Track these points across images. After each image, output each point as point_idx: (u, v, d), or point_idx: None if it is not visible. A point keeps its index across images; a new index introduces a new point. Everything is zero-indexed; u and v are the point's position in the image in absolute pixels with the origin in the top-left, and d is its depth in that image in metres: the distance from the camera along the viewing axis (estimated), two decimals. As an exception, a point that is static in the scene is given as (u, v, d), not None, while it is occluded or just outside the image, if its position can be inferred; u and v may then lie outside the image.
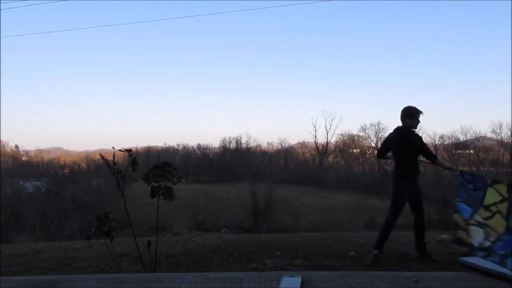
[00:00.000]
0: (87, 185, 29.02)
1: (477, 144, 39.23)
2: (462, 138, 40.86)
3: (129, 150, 2.74)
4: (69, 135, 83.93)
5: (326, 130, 47.69)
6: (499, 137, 37.98)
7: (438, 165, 4.08)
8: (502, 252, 2.17)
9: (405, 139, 3.95)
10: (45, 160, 42.24)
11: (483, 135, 40.19)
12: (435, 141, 43.37)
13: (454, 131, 42.64)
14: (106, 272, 3.62)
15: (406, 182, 4.03)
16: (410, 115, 3.91)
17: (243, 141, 51.44)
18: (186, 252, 4.35)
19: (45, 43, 79.55)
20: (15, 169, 37.34)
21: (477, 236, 2.14)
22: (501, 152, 37.67)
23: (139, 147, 48.26)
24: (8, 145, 50.66)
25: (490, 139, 39.64)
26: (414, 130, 3.99)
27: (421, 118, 3.99)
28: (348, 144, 49.84)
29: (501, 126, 37.19)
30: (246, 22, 78.93)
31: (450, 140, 41.65)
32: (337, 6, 78.18)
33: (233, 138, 51.64)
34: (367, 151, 48.47)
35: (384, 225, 4.07)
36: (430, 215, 25.96)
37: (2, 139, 50.12)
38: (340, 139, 49.51)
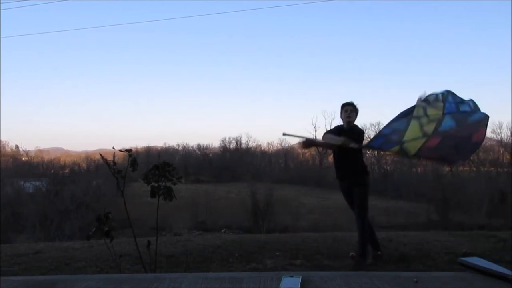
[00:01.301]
0: (87, 185, 29.00)
1: (477, 144, 39.18)
2: (462, 138, 40.82)
3: (129, 150, 2.74)
4: (69, 135, 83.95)
5: (326, 130, 47.63)
6: (499, 137, 38.03)
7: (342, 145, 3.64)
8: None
9: None
10: (45, 160, 42.28)
11: (483, 135, 40.17)
12: (435, 141, 43.39)
13: (454, 131, 42.57)
14: (106, 272, 3.62)
15: (339, 182, 3.96)
16: (340, 111, 3.87)
17: (243, 141, 51.49)
18: (186, 252, 4.34)
19: (45, 43, 79.62)
20: (15, 169, 37.34)
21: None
22: (501, 152, 37.69)
23: (139, 147, 48.28)
24: (8, 145, 50.74)
25: (490, 139, 39.61)
26: (344, 124, 3.86)
27: (349, 109, 3.80)
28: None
29: (501, 126, 37.23)
30: (246, 22, 78.95)
31: (450, 140, 41.61)
32: (338, 6, 78.22)
33: (233, 138, 51.66)
34: (367, 151, 48.46)
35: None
36: (430, 215, 26.03)
37: (2, 139, 50.18)
38: (340, 139, 49.46)
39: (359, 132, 3.90)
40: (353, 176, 3.82)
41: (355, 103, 3.83)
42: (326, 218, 24.91)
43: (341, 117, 3.87)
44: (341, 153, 3.75)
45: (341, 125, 3.92)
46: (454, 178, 34.89)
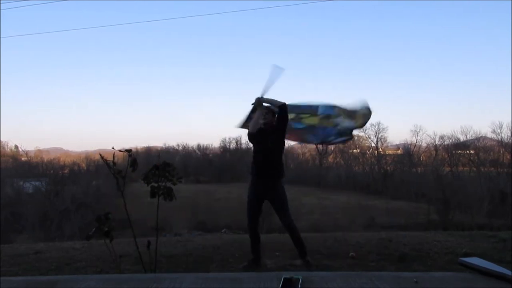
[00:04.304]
0: (87, 185, 29.04)
1: (477, 144, 39.23)
2: (462, 138, 40.92)
3: (128, 150, 2.74)
4: (69, 135, 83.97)
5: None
6: (499, 137, 38.02)
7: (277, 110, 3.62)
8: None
9: None
10: (45, 160, 42.25)
11: (483, 135, 40.25)
12: (435, 141, 43.50)
13: (454, 131, 42.73)
14: (106, 272, 3.62)
15: (252, 181, 3.75)
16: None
17: (243, 141, 51.42)
18: (186, 252, 4.34)
19: (45, 43, 79.66)
20: (15, 169, 37.33)
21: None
22: (501, 152, 37.68)
23: (139, 147, 48.29)
24: (8, 145, 50.66)
25: (490, 139, 39.67)
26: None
27: (268, 114, 3.69)
28: (348, 144, 49.78)
29: (501, 126, 37.23)
30: (246, 22, 79.01)
31: (450, 140, 41.70)
32: (338, 6, 78.19)
33: (233, 138, 51.64)
34: (367, 151, 48.48)
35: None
36: (430, 215, 26.04)
37: (2, 139, 50.17)
38: (340, 139, 49.40)
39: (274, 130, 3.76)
40: (270, 179, 3.65)
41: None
42: (326, 218, 24.92)
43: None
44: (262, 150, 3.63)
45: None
46: (454, 178, 34.90)
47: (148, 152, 46.71)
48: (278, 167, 3.70)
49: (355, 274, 1.20)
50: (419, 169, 39.88)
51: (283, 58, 75.31)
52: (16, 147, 49.42)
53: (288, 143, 4.19)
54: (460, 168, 38.76)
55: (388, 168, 42.22)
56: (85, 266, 3.91)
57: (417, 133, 44.50)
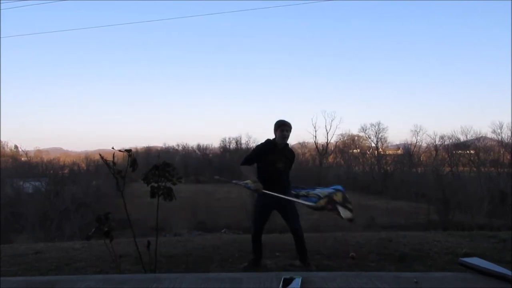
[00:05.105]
0: (87, 185, 29.04)
1: (478, 144, 39.23)
2: (462, 138, 40.95)
3: (128, 151, 2.74)
4: (69, 135, 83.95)
5: (326, 131, 47.52)
6: (500, 137, 38.03)
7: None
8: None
9: None
10: (45, 161, 42.25)
11: (484, 135, 40.26)
12: (435, 141, 43.52)
13: (454, 131, 42.74)
14: (106, 272, 3.62)
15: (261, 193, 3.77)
16: (275, 128, 3.77)
17: (243, 141, 51.40)
18: (186, 252, 4.34)
19: (45, 43, 79.64)
20: (15, 169, 37.33)
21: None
22: (502, 152, 37.68)
23: (138, 147, 48.35)
24: (7, 145, 50.67)
25: (491, 139, 39.68)
26: (276, 142, 3.77)
27: (285, 129, 3.73)
28: (348, 145, 49.83)
29: (502, 126, 37.27)
30: (246, 22, 79.04)
31: (451, 140, 41.74)
32: (338, 6, 78.22)
33: (233, 138, 51.64)
34: (367, 151, 48.48)
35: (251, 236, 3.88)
36: (430, 215, 26.04)
37: (2, 139, 50.17)
38: (340, 139, 49.53)
39: (291, 154, 4.00)
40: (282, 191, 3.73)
41: (290, 123, 3.78)
42: (326, 218, 24.87)
43: (275, 133, 3.79)
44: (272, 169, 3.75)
45: (273, 141, 3.82)
46: (454, 178, 34.88)
47: (148, 152, 46.75)
48: (288, 181, 3.95)
49: (355, 274, 1.19)
50: (419, 169, 39.89)
51: (284, 58, 75.37)
52: (16, 147, 49.47)
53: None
54: (460, 168, 38.76)
55: (388, 168, 42.22)
56: (85, 266, 3.91)
57: (417, 133, 44.60)
